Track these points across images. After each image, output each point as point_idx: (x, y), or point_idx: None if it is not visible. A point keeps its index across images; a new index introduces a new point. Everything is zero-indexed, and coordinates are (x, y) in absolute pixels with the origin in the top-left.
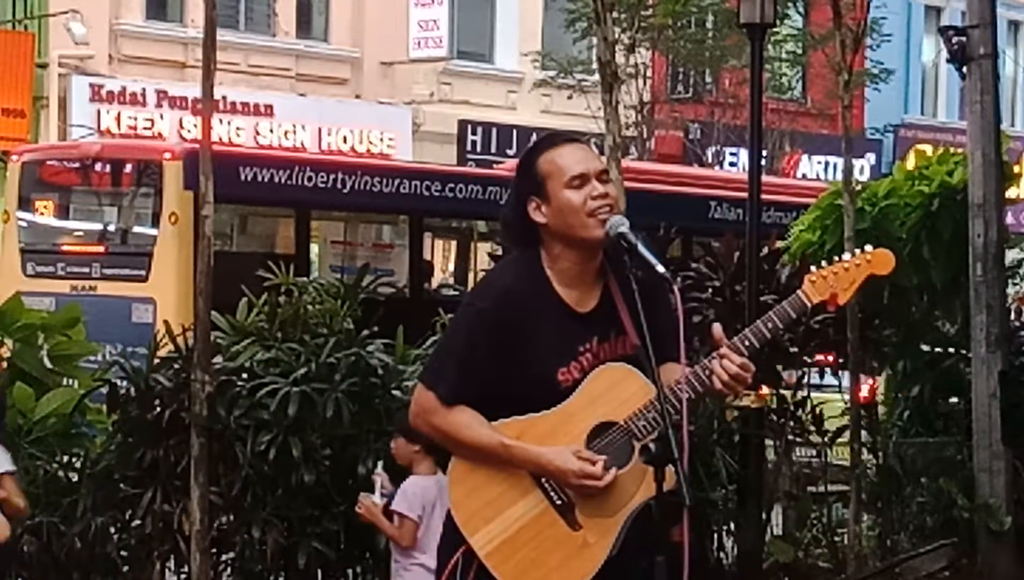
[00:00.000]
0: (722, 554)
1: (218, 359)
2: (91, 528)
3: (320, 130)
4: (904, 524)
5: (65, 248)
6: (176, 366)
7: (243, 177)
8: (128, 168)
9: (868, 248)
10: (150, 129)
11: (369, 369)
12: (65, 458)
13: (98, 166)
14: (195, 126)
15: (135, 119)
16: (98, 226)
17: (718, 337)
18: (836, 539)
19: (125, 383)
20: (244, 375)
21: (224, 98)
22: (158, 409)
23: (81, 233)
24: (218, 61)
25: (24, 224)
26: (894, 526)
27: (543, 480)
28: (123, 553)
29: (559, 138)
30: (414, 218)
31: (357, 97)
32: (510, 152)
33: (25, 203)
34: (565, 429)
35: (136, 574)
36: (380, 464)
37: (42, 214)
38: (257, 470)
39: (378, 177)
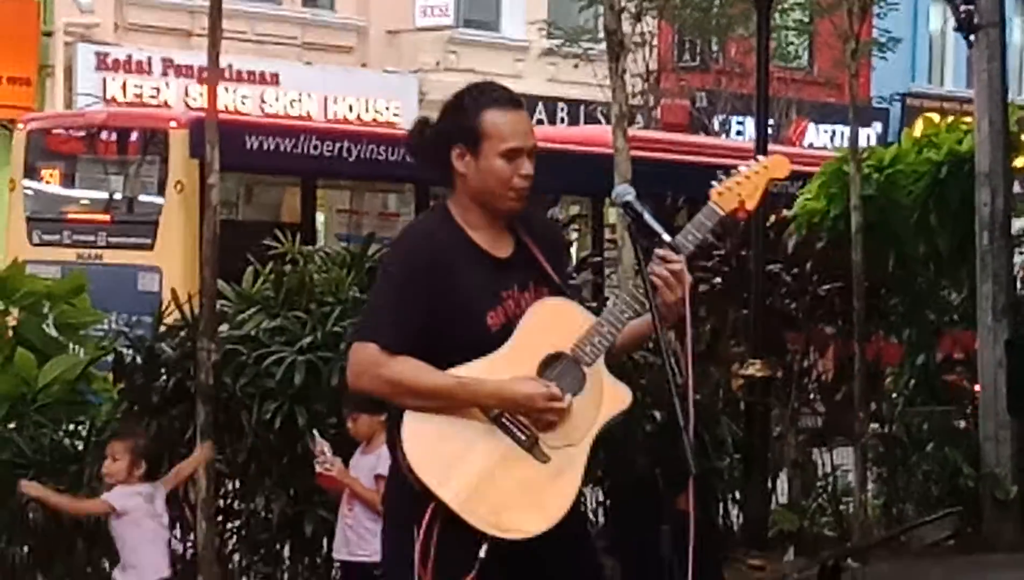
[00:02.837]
0: (728, 523)
1: (224, 328)
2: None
3: (326, 99)
4: (910, 493)
5: (71, 217)
6: (182, 335)
7: (249, 146)
8: (134, 136)
9: (761, 158)
10: (156, 98)
11: None
12: (71, 426)
13: (104, 135)
14: (201, 95)
15: (141, 88)
16: (104, 195)
17: (662, 254)
18: (841, 507)
19: (131, 351)
20: (250, 344)
21: (230, 66)
22: (164, 377)
23: (87, 202)
24: (224, 29)
25: (30, 193)
26: (899, 495)
27: (502, 419)
28: None
29: (507, 98)
30: (420, 187)
31: (363, 66)
32: None
33: (31, 172)
34: (515, 369)
35: None
36: (317, 433)
37: (48, 183)
38: (263, 439)
39: (384, 146)
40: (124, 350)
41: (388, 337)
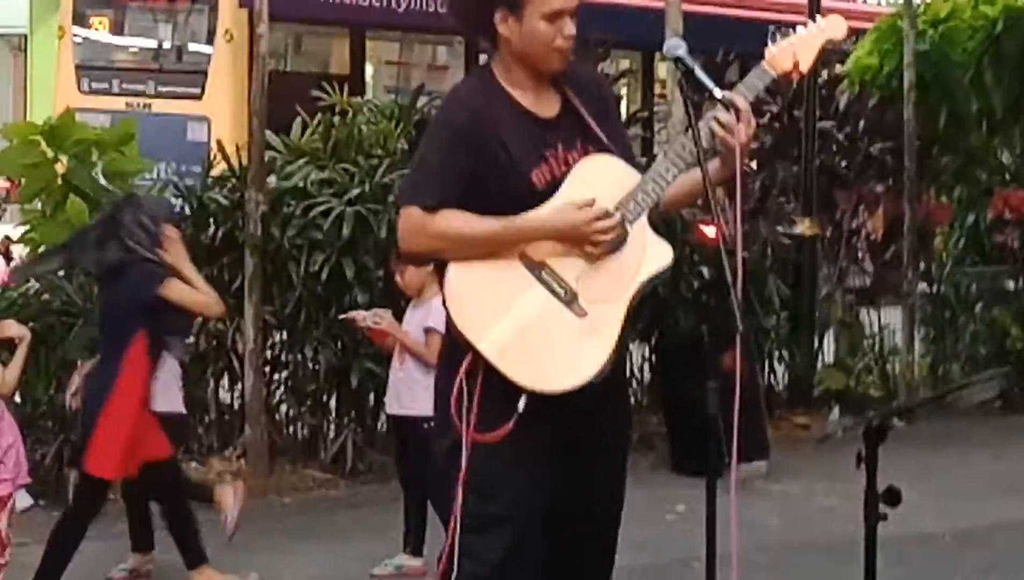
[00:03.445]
0: (774, 381)
1: (272, 179)
2: None
3: None
4: (957, 353)
5: (120, 65)
6: (230, 185)
7: None
8: None
9: (819, 18)
10: None
11: None
12: None
13: None
14: None
15: None
16: (153, 43)
17: (724, 99)
18: (888, 367)
19: (180, 201)
20: (298, 195)
21: None
22: (212, 228)
23: (136, 50)
24: None
25: (79, 40)
26: (947, 355)
27: (543, 274)
28: None
29: None
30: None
31: None
32: None
33: (80, 19)
34: None
35: (190, 391)
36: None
37: (97, 30)
38: (311, 290)
39: None
40: (173, 200)
41: (430, 196)
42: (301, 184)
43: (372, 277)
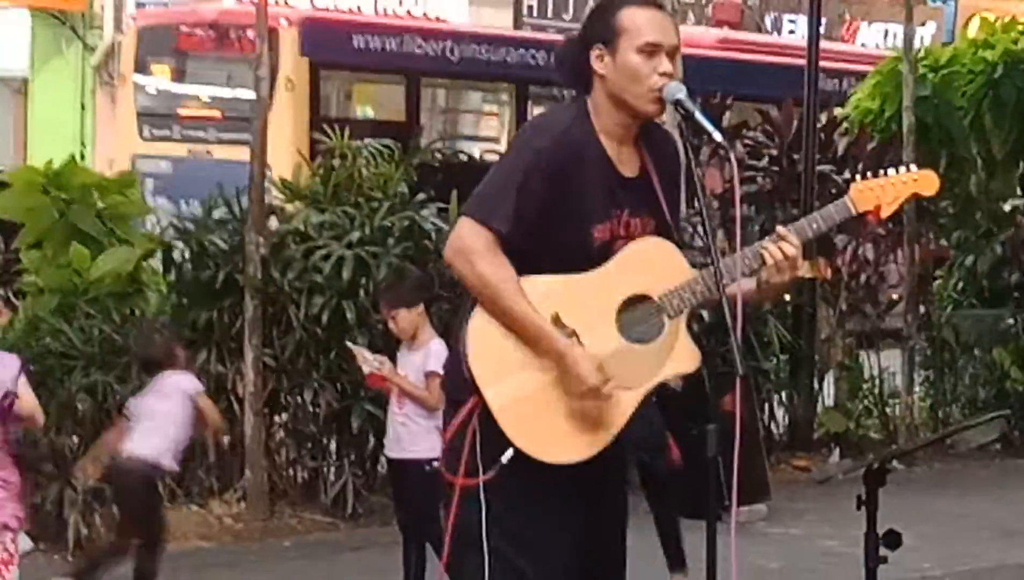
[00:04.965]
0: (774, 424)
1: (272, 221)
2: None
3: None
4: (956, 396)
5: (181, 113)
6: (230, 228)
7: (356, 44)
8: (244, 34)
9: (913, 168)
10: None
11: (422, 233)
12: (127, 314)
13: (214, 32)
14: None
15: None
16: (214, 91)
17: (782, 234)
18: (888, 410)
19: (180, 244)
20: (298, 238)
21: None
22: (212, 271)
23: (197, 98)
24: None
25: (141, 88)
26: (946, 397)
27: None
28: None
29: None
30: (519, 86)
31: None
32: (566, 16)
33: (142, 67)
34: (599, 297)
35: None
36: (350, 343)
37: (158, 79)
38: (311, 333)
39: (485, 45)
40: (174, 243)
41: (502, 222)
42: (301, 227)
43: (372, 320)
